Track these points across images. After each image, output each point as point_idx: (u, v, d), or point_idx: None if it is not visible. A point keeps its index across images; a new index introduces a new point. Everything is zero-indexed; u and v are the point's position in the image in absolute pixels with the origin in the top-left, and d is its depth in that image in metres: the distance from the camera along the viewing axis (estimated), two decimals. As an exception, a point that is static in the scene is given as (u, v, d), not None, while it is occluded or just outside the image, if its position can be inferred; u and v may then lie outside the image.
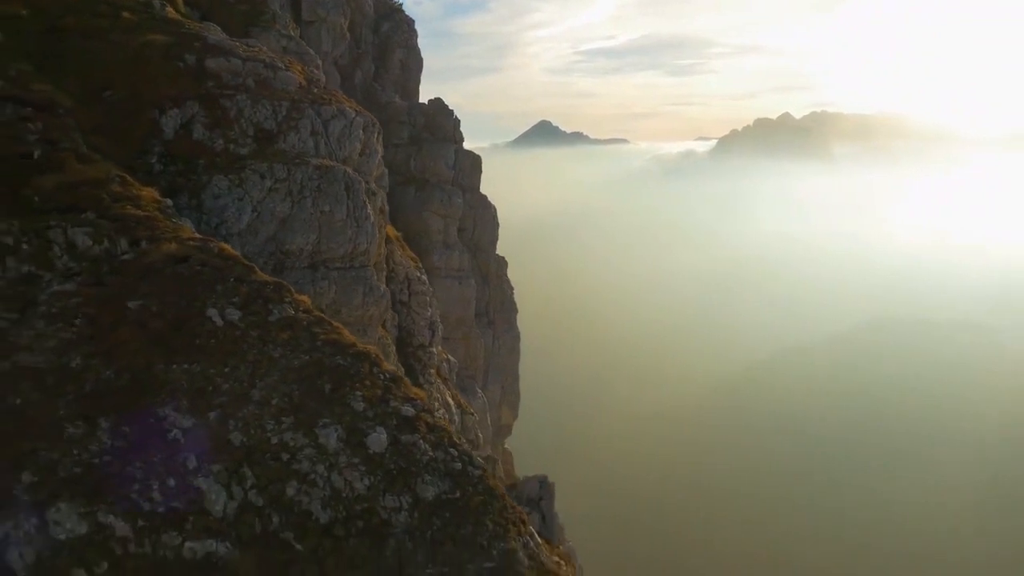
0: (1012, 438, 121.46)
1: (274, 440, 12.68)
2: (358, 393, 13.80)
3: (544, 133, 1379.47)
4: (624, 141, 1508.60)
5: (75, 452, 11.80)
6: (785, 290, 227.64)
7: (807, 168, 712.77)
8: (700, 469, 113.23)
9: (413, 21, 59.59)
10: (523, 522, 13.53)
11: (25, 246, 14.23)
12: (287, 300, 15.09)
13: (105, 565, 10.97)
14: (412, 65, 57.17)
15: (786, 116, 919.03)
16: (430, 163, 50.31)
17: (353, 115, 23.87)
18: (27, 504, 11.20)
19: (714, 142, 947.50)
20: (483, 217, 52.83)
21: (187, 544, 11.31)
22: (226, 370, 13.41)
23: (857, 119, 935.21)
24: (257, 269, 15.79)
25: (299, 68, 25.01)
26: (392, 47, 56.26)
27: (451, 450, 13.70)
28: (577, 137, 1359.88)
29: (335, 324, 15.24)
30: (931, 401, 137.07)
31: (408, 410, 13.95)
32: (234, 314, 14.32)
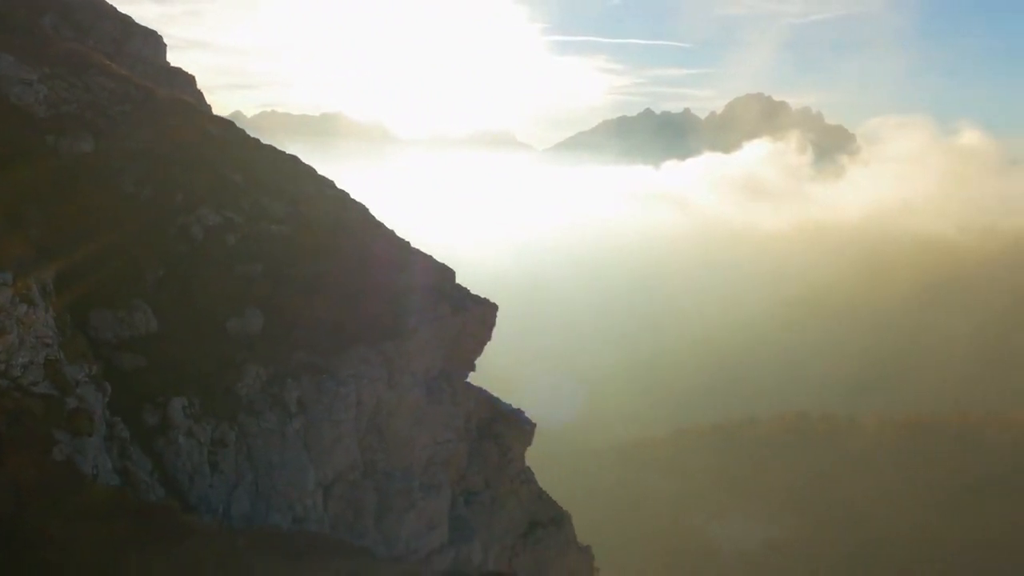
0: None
1: (264, 203, 25.19)
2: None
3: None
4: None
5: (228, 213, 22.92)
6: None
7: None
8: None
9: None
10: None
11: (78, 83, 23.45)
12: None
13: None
14: None
15: (238, 114, 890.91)
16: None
17: (158, 34, 33.67)
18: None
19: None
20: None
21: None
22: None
23: (303, 119, 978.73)
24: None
25: (104, -4, 33.37)
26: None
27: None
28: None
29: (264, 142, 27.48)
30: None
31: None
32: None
